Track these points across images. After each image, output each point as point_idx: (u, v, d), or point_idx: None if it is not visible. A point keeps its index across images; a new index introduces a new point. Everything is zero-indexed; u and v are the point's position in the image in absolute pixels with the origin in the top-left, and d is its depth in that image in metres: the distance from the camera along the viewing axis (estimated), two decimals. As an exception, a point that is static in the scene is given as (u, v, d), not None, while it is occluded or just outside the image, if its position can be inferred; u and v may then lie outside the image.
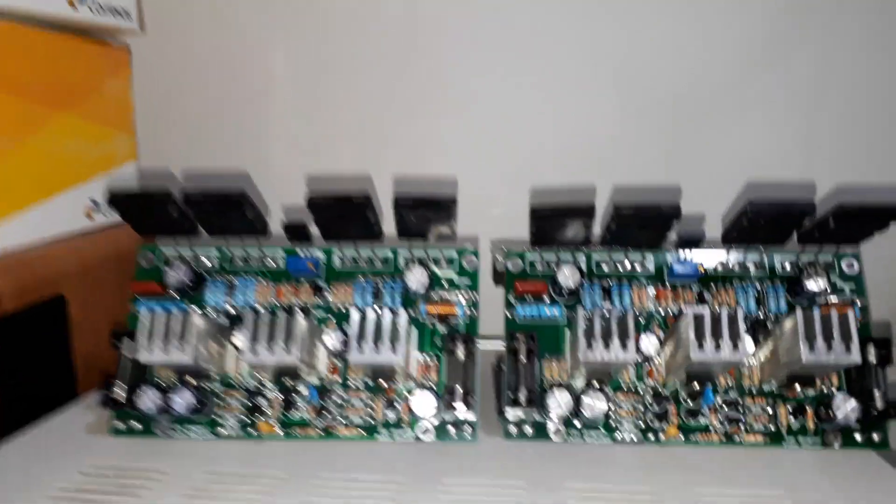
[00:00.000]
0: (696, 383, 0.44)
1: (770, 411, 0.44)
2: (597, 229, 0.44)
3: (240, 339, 0.43)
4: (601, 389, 0.43)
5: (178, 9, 0.61)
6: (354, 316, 0.40)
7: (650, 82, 0.60)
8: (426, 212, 0.39)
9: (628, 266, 0.47)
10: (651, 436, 0.44)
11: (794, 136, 0.60)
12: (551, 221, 0.40)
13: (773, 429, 0.44)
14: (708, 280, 0.46)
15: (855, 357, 0.39)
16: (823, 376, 0.44)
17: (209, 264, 0.47)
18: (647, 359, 0.44)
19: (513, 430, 0.44)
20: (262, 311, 0.44)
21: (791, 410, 0.44)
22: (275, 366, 0.41)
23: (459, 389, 0.42)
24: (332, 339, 0.43)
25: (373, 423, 0.44)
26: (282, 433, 0.44)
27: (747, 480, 0.40)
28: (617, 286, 0.46)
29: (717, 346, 0.39)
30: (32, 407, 0.47)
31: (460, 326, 0.45)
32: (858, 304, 0.45)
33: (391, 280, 0.46)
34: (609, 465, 0.42)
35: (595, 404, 0.42)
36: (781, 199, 0.41)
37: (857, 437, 0.43)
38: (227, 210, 0.40)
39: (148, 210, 0.40)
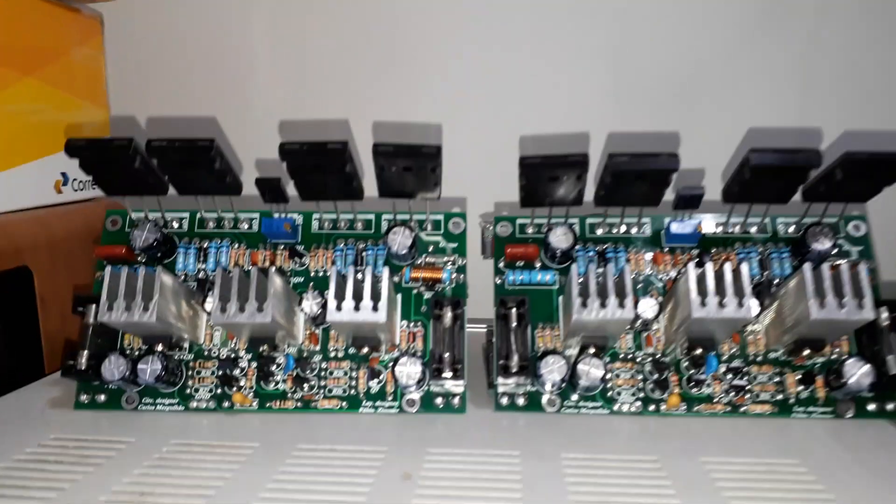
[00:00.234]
0: (698, 350, 0.41)
1: (777, 380, 0.41)
2: (590, 195, 0.41)
3: (210, 301, 0.40)
4: (597, 355, 0.40)
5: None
6: (333, 274, 0.37)
7: (646, 41, 0.58)
8: (408, 161, 0.36)
9: (624, 229, 0.44)
10: (651, 406, 0.41)
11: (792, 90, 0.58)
12: (541, 171, 0.37)
13: (780, 398, 0.41)
14: (708, 243, 0.44)
15: (868, 313, 0.36)
16: (833, 341, 0.41)
17: (179, 227, 0.45)
18: (645, 324, 0.41)
19: (504, 400, 0.41)
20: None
21: (800, 379, 0.41)
22: (247, 327, 0.38)
23: (447, 357, 0.40)
24: (310, 302, 0.40)
25: (355, 393, 0.41)
26: (256, 405, 0.41)
27: (757, 449, 0.37)
28: (613, 250, 0.43)
29: (721, 304, 0.37)
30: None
31: (447, 292, 0.43)
32: (867, 266, 0.43)
33: (373, 245, 0.44)
34: (608, 436, 0.39)
35: (591, 371, 0.39)
36: (785, 148, 0.38)
37: (871, 406, 0.41)
38: (196, 162, 0.37)
39: (109, 161, 0.37)
